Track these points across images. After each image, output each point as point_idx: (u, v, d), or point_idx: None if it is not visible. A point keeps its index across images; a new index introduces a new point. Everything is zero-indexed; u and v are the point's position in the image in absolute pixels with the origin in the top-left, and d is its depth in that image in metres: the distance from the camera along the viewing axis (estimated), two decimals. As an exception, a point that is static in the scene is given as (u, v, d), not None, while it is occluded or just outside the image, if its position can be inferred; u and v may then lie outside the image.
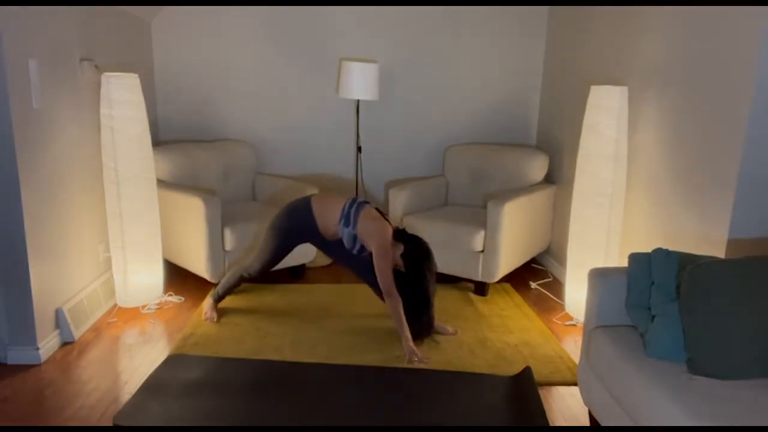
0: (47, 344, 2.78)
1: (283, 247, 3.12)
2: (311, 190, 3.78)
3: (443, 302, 3.40)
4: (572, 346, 3.02)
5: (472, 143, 4.44)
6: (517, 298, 3.64)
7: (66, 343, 2.91)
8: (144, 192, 3.20)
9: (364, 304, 3.46)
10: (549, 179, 4.25)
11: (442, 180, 4.25)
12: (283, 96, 4.40)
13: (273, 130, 4.45)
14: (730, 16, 2.41)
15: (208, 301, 3.25)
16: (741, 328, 1.81)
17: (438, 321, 3.08)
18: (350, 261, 3.17)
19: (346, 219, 2.96)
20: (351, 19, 4.31)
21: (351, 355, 2.84)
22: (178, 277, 3.83)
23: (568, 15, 4.07)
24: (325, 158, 4.52)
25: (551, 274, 4.14)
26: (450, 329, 3.09)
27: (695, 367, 1.84)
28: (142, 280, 3.26)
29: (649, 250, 2.27)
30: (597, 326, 2.22)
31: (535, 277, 4.07)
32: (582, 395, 2.31)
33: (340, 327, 3.15)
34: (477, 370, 2.72)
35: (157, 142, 4.17)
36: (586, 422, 2.37)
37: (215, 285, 3.39)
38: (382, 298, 2.99)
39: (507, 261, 3.59)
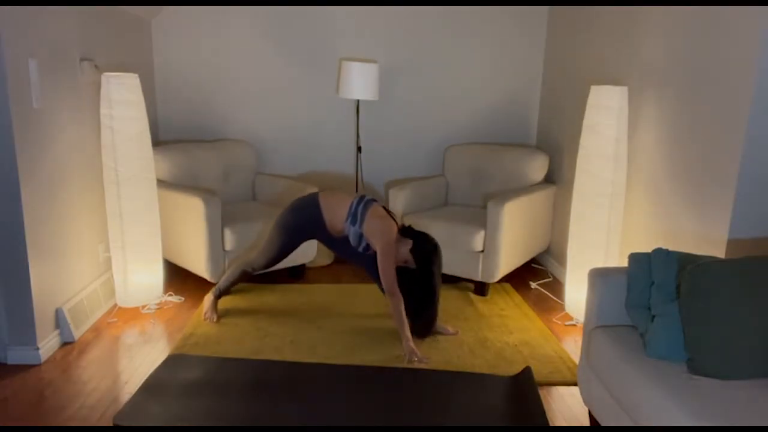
0: (47, 344, 2.78)
1: (290, 244, 3.12)
2: (311, 190, 3.77)
3: (443, 302, 3.39)
4: (572, 346, 3.02)
5: (472, 143, 4.44)
6: (517, 298, 3.65)
7: (66, 343, 2.91)
8: (144, 192, 3.20)
9: (364, 304, 3.46)
10: (549, 179, 4.25)
11: (442, 180, 4.25)
12: (283, 96, 4.40)
13: (273, 130, 4.45)
14: (730, 16, 2.41)
15: (209, 298, 3.26)
16: (741, 328, 1.81)
17: (438, 321, 3.08)
18: (356, 258, 3.18)
19: (353, 217, 2.97)
20: (351, 19, 4.31)
21: (351, 355, 2.84)
22: (178, 277, 3.83)
23: (568, 15, 4.07)
24: (325, 158, 4.52)
25: (551, 274, 4.14)
26: (451, 329, 3.09)
27: (695, 367, 1.84)
28: (142, 280, 3.26)
29: (649, 250, 2.27)
30: (597, 326, 2.22)
31: (535, 277, 4.07)
32: (582, 395, 2.32)
33: (340, 327, 3.15)
34: (477, 370, 2.72)
35: (157, 142, 4.17)
36: (586, 422, 2.37)
37: (215, 285, 3.38)
38: None
39: (507, 261, 3.59)
